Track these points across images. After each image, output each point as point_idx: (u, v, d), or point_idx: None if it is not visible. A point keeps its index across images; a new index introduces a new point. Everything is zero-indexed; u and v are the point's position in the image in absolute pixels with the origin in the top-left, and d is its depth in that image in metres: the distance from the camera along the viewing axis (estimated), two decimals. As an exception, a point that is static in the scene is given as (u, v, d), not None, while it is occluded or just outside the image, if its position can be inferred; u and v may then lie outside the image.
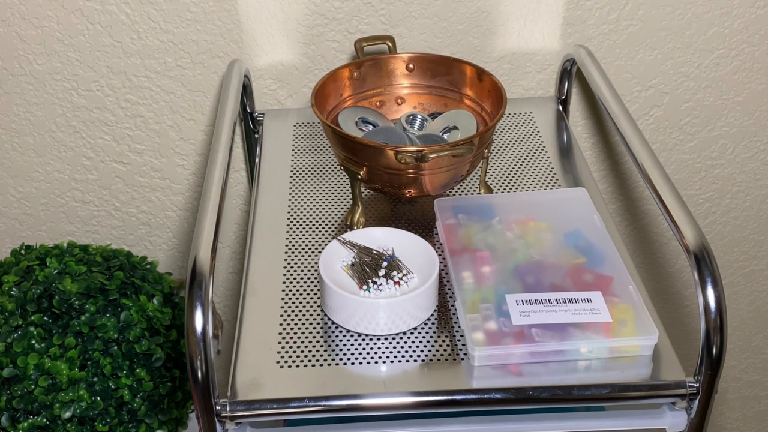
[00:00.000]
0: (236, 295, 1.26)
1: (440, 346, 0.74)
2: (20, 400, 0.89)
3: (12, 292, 0.95)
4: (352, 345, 0.74)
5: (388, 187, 0.85)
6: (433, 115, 0.95)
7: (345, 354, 0.73)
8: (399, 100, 0.97)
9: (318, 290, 0.80)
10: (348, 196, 0.93)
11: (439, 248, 0.84)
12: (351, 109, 0.93)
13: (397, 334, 0.75)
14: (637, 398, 0.71)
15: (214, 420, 0.68)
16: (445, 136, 0.91)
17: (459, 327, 0.76)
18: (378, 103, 0.97)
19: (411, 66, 0.96)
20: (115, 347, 0.93)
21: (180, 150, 1.13)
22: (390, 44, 0.97)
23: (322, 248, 0.84)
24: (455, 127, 0.91)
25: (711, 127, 1.18)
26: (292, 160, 0.99)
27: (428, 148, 0.79)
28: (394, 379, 0.71)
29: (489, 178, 0.95)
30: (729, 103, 1.16)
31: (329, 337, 0.75)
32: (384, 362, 0.73)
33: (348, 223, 0.88)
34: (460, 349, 0.74)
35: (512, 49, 1.09)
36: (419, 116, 0.93)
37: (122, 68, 1.07)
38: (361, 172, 0.84)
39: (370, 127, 0.92)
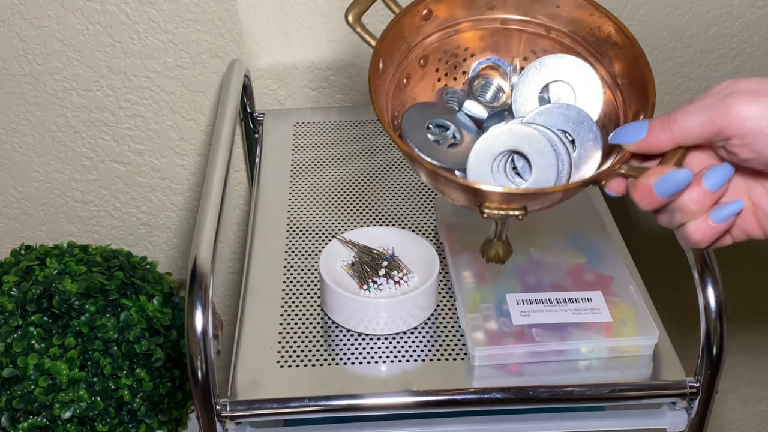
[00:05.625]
0: (236, 295, 1.26)
1: (440, 346, 0.74)
2: (20, 400, 0.89)
3: (12, 292, 0.95)
4: (352, 345, 0.74)
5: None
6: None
7: (345, 354, 0.73)
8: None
9: (318, 290, 0.80)
10: (348, 196, 0.93)
11: (439, 248, 0.84)
12: (415, 109, 0.67)
13: (397, 333, 0.75)
14: (637, 398, 0.71)
15: (214, 420, 0.68)
16: (536, 109, 0.63)
17: (459, 327, 0.76)
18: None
19: None
20: (115, 347, 0.93)
21: (180, 150, 1.13)
22: None
23: (322, 248, 0.84)
24: (561, 85, 0.64)
25: (711, 127, 1.18)
26: (292, 160, 0.99)
27: (517, 207, 0.58)
28: (394, 379, 0.71)
29: (489, 178, 0.95)
30: (729, 103, 1.16)
31: (329, 337, 0.75)
32: (384, 362, 0.72)
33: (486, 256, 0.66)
34: (461, 349, 0.74)
35: (512, 49, 1.09)
36: (493, 83, 0.67)
37: (122, 68, 1.07)
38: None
39: (447, 133, 0.66)
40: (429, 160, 0.62)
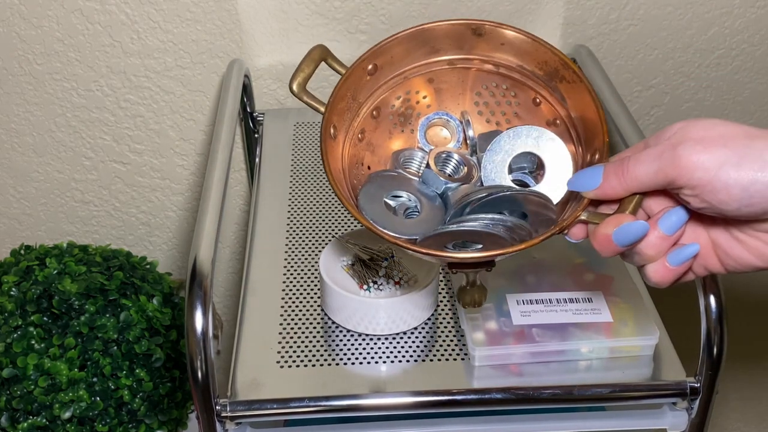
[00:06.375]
0: (236, 295, 1.26)
1: (440, 346, 0.74)
2: (20, 400, 0.89)
3: (12, 293, 0.95)
4: (352, 345, 0.74)
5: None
6: (488, 135, 0.67)
7: (345, 354, 0.73)
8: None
9: (318, 290, 0.80)
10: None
11: (439, 248, 0.84)
12: (373, 181, 0.66)
13: (397, 334, 0.75)
14: (637, 398, 0.71)
15: (214, 420, 0.68)
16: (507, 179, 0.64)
17: (459, 327, 0.76)
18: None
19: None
20: (115, 347, 0.93)
21: (180, 150, 1.13)
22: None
23: (322, 248, 0.84)
24: (530, 159, 0.65)
25: (711, 127, 1.18)
26: (292, 160, 0.99)
27: (489, 254, 0.59)
28: (394, 379, 0.71)
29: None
30: (729, 103, 1.16)
31: (329, 337, 0.75)
32: (384, 362, 0.72)
33: (462, 302, 0.67)
34: (461, 349, 0.74)
35: (512, 49, 1.09)
36: (454, 157, 0.66)
37: (122, 68, 1.06)
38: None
39: (407, 201, 0.66)
40: (386, 231, 0.61)
